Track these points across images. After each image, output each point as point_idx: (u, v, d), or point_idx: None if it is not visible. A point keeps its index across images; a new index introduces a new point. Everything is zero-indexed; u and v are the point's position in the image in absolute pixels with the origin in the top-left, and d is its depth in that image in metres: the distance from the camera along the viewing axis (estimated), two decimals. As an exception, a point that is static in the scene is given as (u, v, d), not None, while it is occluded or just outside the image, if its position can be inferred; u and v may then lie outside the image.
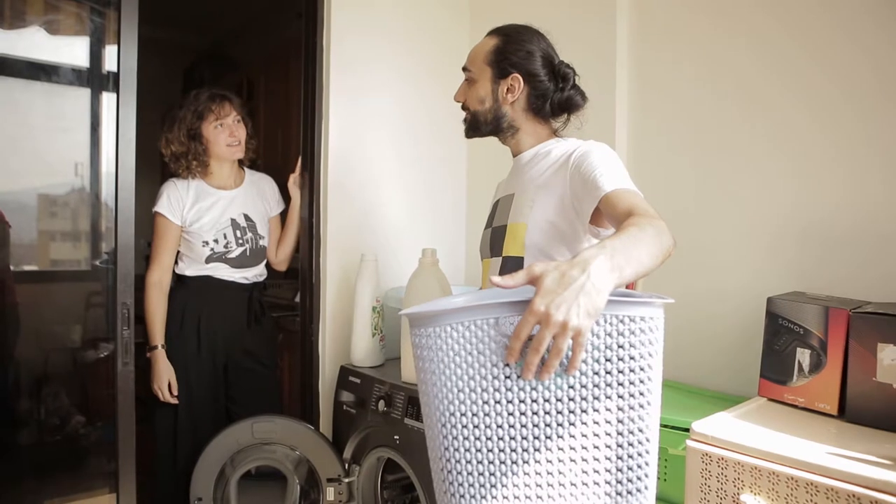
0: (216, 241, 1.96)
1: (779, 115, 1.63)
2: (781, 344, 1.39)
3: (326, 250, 2.15)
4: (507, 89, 1.29)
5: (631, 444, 0.82)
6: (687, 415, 1.39)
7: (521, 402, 0.79)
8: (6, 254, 1.81)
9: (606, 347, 0.80)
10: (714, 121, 1.77)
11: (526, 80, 1.29)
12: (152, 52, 2.10)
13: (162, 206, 1.93)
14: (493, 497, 0.81)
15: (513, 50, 1.29)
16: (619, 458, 0.81)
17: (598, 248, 0.81)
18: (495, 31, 1.34)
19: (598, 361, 0.80)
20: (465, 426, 0.80)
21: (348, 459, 1.90)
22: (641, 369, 0.81)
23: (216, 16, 3.79)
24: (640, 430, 0.82)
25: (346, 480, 1.87)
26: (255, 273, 2.09)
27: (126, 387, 1.75)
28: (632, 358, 0.80)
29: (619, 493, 0.82)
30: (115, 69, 1.75)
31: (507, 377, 0.79)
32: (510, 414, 0.80)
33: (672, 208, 1.82)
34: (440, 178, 2.44)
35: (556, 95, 1.30)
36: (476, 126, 1.34)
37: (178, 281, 2.04)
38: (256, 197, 2.08)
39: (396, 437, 1.74)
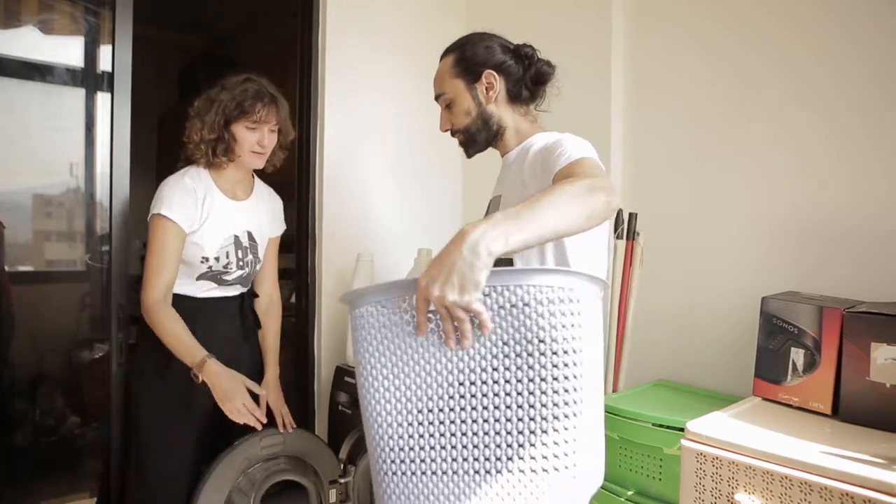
0: (217, 258, 1.62)
1: (779, 112, 1.63)
2: (776, 344, 1.39)
3: (322, 250, 2.15)
4: (487, 87, 1.30)
5: (545, 419, 0.80)
6: (682, 414, 1.40)
7: (437, 373, 0.85)
8: (0, 254, 1.81)
9: (501, 319, 0.82)
10: (712, 117, 1.76)
11: (499, 71, 1.30)
12: (147, 51, 2.09)
13: (170, 208, 1.53)
14: (420, 472, 0.86)
15: (473, 52, 1.31)
16: (532, 432, 0.80)
17: (482, 220, 0.83)
18: (446, 51, 1.36)
19: (494, 333, 0.82)
20: (388, 401, 0.87)
21: (344, 460, 1.90)
22: (554, 340, 0.79)
23: (212, 15, 3.79)
24: (556, 405, 0.80)
25: (343, 481, 1.87)
26: (242, 288, 1.77)
27: (120, 387, 1.75)
28: (541, 328, 0.80)
29: (533, 470, 0.81)
30: (109, 69, 1.76)
31: (420, 356, 0.85)
32: (428, 386, 0.85)
33: (669, 207, 1.83)
34: (436, 178, 2.44)
35: (527, 74, 1.32)
36: (472, 140, 1.35)
37: None
38: (264, 213, 1.77)
39: (392, 437, 1.74)
